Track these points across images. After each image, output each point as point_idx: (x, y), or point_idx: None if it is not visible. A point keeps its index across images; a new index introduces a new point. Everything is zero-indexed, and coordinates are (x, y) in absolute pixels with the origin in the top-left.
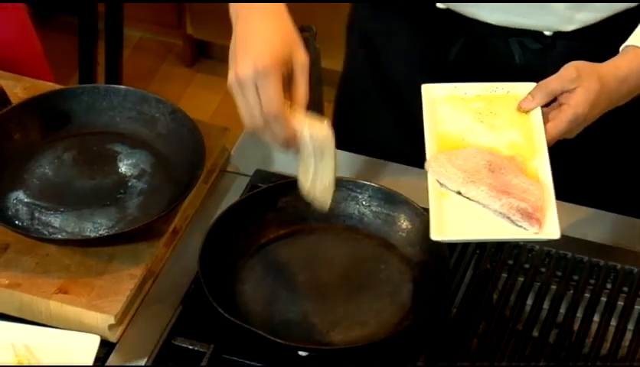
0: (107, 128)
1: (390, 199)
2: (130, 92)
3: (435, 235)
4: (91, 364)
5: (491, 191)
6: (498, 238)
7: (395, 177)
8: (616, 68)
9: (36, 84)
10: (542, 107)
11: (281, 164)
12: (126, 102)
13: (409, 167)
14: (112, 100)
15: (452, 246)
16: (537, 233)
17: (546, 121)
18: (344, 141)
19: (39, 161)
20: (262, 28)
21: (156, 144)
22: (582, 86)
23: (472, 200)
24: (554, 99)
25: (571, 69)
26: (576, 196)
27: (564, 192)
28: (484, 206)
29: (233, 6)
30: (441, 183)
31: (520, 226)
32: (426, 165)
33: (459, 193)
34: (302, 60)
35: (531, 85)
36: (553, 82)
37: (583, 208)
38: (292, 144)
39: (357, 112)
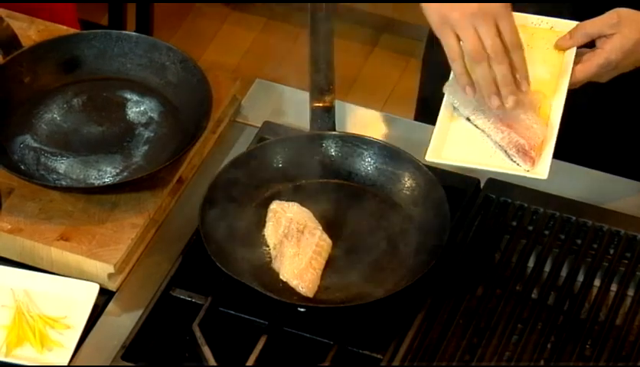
0: (117, 75)
1: (396, 156)
2: (141, 38)
3: (431, 156)
4: (89, 311)
5: (496, 122)
6: (490, 169)
7: (406, 134)
8: None
9: (49, 27)
10: (581, 48)
11: (291, 116)
12: (137, 48)
13: (423, 124)
14: (124, 46)
15: (455, 206)
16: (527, 171)
17: (578, 62)
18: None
19: (48, 106)
20: None
21: (165, 92)
22: (621, 32)
23: (478, 128)
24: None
25: (613, 15)
26: (586, 159)
27: (575, 154)
28: (487, 135)
29: None
30: (455, 107)
31: (515, 161)
32: (445, 86)
33: (468, 119)
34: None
35: (575, 23)
36: (593, 25)
37: (593, 171)
38: (526, 80)
39: None
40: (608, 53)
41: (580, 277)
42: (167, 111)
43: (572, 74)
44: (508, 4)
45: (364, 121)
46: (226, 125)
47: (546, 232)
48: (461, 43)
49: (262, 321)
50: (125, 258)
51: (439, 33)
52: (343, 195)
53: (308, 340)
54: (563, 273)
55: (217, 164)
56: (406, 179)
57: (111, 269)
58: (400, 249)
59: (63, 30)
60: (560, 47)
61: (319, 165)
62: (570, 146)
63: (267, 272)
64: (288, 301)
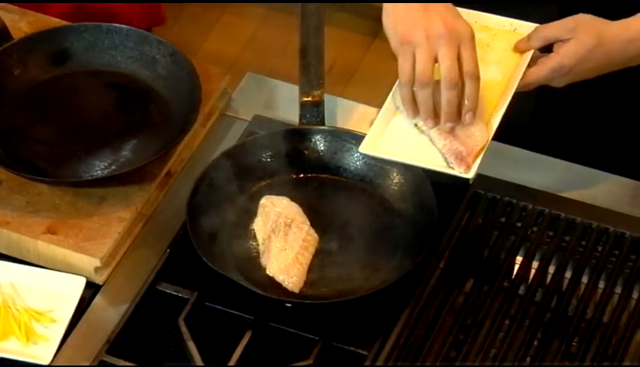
0: (107, 67)
1: None
2: (132, 31)
3: (366, 148)
4: (75, 305)
5: (440, 131)
6: (422, 165)
7: None
8: (625, 28)
9: (40, 19)
10: (539, 51)
11: (281, 110)
12: (128, 41)
13: None
14: (114, 39)
15: (443, 202)
16: (460, 173)
17: (533, 65)
18: None
19: (37, 98)
20: None
21: (155, 85)
22: (577, 38)
23: (423, 133)
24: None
25: (570, 20)
26: (575, 155)
27: (563, 150)
28: (430, 140)
29: None
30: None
31: (451, 166)
32: (393, 93)
33: (416, 125)
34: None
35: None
36: (550, 29)
37: (581, 167)
38: (473, 110)
39: None
40: (561, 57)
41: (568, 274)
42: (156, 104)
43: (523, 76)
44: (473, 34)
45: (356, 116)
46: (216, 119)
47: (535, 229)
48: None
49: (247, 316)
50: (112, 252)
51: (397, 51)
52: (331, 190)
53: (294, 335)
54: (551, 270)
55: (207, 158)
56: (395, 174)
57: (98, 263)
58: (388, 245)
59: (55, 22)
60: (518, 50)
61: (308, 159)
62: (561, 142)
63: (254, 267)
64: (273, 297)
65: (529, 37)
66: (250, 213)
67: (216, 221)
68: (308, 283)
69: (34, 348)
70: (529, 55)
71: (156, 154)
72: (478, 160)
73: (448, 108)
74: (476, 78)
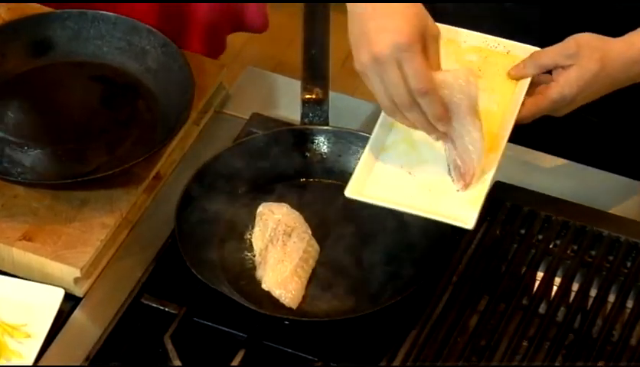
0: (93, 59)
1: None
2: (120, 20)
3: (351, 193)
4: (52, 319)
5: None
6: (415, 213)
7: None
8: (629, 45)
9: (21, 5)
10: (538, 76)
11: (282, 107)
12: (116, 31)
13: None
14: (101, 28)
15: None
16: (452, 219)
17: (531, 93)
18: None
19: (15, 92)
20: (394, 4)
21: (144, 79)
22: (579, 64)
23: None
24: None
25: (571, 43)
26: (601, 162)
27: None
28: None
29: None
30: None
31: (451, 177)
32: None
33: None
34: (434, 31)
35: (534, 49)
36: (548, 55)
37: (609, 174)
38: (442, 120)
39: None
40: (562, 87)
41: (593, 292)
42: (145, 99)
43: (521, 108)
44: (414, 43)
45: (365, 115)
46: (211, 117)
47: (558, 242)
48: None
49: (240, 334)
50: (94, 262)
51: (366, 70)
52: (334, 196)
53: (290, 356)
54: (575, 287)
55: (199, 160)
56: None
57: (77, 273)
58: (395, 258)
59: (36, 8)
60: (513, 77)
61: (310, 163)
62: (589, 149)
63: (248, 280)
64: (269, 313)
65: (524, 63)
66: (246, 221)
67: (208, 229)
68: (307, 298)
69: (7, 365)
70: (526, 83)
71: (144, 155)
72: (479, 209)
73: (421, 126)
74: (424, 94)
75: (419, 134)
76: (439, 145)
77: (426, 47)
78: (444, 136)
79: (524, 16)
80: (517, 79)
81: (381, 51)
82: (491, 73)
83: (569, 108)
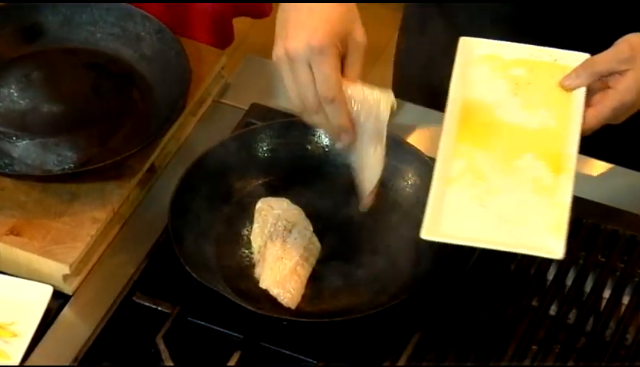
0: (85, 45)
1: (399, 148)
2: (114, 5)
3: (427, 233)
4: (40, 317)
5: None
6: (498, 248)
7: (415, 122)
8: None
9: None
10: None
11: (282, 98)
12: (109, 16)
13: (435, 112)
14: (94, 13)
15: None
16: (540, 251)
17: (589, 104)
18: None
19: (4, 79)
20: (323, 4)
21: (139, 66)
22: (635, 68)
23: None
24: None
25: (624, 47)
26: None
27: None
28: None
29: None
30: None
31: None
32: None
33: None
34: (359, 38)
35: (584, 56)
36: (602, 61)
37: (618, 168)
38: (346, 132)
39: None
40: (621, 94)
41: (606, 293)
42: (140, 88)
43: (582, 120)
44: (329, 47)
45: None
46: (209, 107)
47: (570, 240)
48: None
49: (236, 335)
50: (84, 258)
51: (279, 62)
52: (336, 190)
53: (289, 358)
54: (587, 287)
55: (196, 152)
56: (410, 175)
57: (66, 270)
58: (399, 256)
59: None
60: (566, 88)
61: (312, 156)
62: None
63: (245, 279)
64: (266, 313)
65: (577, 73)
66: (243, 216)
67: (203, 225)
68: (306, 298)
69: None
70: (582, 94)
71: (138, 146)
72: (564, 237)
73: (326, 131)
74: (330, 100)
75: (483, 162)
76: (506, 171)
77: (346, 53)
78: (348, 147)
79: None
80: (571, 89)
81: (295, 49)
82: (541, 86)
83: (628, 114)
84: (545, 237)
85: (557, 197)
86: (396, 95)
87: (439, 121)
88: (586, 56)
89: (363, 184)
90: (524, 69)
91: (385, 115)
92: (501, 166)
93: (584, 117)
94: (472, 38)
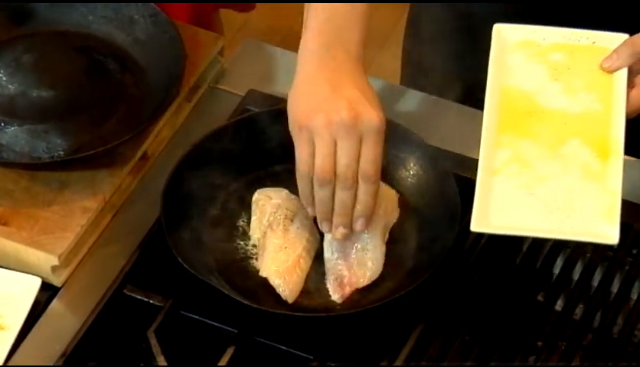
0: (77, 28)
1: (400, 137)
2: None
3: (477, 226)
4: (28, 310)
5: (332, 240)
6: (551, 236)
7: (418, 109)
8: None
9: None
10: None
11: (282, 83)
12: None
13: (440, 99)
14: None
15: (468, 198)
16: (595, 237)
17: (631, 85)
18: None
19: None
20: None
21: (132, 50)
22: None
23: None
24: None
25: None
26: None
27: None
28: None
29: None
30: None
31: (327, 286)
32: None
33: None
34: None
35: (623, 36)
36: None
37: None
38: (366, 219)
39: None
40: None
41: (614, 288)
42: (133, 73)
43: (627, 103)
44: (382, 127)
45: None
46: (205, 92)
47: None
48: None
49: (230, 329)
50: (73, 249)
51: (294, 136)
52: None
53: (284, 353)
54: (595, 282)
55: (190, 139)
56: (412, 165)
57: (55, 261)
58: (399, 248)
59: None
60: (607, 70)
61: None
62: None
63: (240, 271)
64: (262, 307)
65: (618, 54)
66: (240, 207)
67: (197, 215)
68: (303, 292)
69: None
70: (624, 75)
71: (130, 133)
72: (618, 221)
73: (340, 210)
74: (371, 182)
75: (528, 150)
76: (553, 158)
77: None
78: (342, 237)
79: None
80: (612, 71)
81: (358, 120)
82: (582, 69)
83: None
84: (598, 223)
85: (607, 182)
86: (404, 83)
87: (447, 110)
88: (625, 36)
89: (352, 278)
90: (563, 53)
91: (394, 218)
92: (547, 153)
93: (628, 99)
94: (506, 25)
